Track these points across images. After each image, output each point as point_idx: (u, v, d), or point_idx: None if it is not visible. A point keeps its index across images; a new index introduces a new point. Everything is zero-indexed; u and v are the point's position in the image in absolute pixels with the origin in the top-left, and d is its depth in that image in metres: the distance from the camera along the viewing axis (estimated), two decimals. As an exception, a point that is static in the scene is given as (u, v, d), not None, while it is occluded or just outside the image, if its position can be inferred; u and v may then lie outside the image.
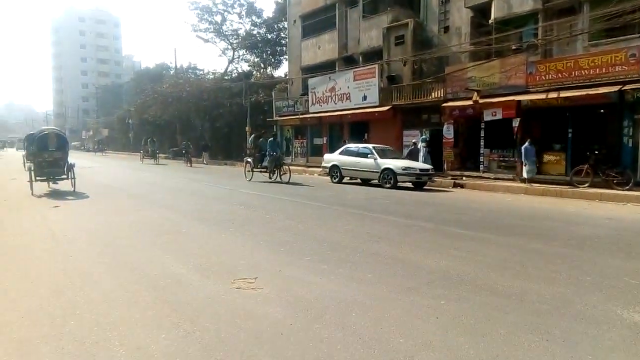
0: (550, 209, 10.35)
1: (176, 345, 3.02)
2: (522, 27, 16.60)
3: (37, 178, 12.13)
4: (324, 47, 25.72)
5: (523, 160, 14.73)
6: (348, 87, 22.53)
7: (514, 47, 16.44)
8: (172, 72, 46.31)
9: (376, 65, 21.14)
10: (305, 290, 4.13)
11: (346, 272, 4.73)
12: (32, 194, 11.65)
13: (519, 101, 15.43)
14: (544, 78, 15.14)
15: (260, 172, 16.70)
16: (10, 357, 2.86)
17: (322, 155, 20.85)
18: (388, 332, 3.24)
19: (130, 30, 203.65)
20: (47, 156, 12.52)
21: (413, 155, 17.02)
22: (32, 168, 12.14)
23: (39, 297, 3.96)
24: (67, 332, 3.23)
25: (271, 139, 16.93)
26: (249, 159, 17.29)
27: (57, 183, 13.06)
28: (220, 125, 35.09)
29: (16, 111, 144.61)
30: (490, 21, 17.01)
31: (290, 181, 15.85)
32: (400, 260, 5.24)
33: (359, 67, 22.57)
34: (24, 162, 14.93)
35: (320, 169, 18.74)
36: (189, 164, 27.78)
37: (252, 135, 19.98)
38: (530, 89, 15.41)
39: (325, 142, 25.11)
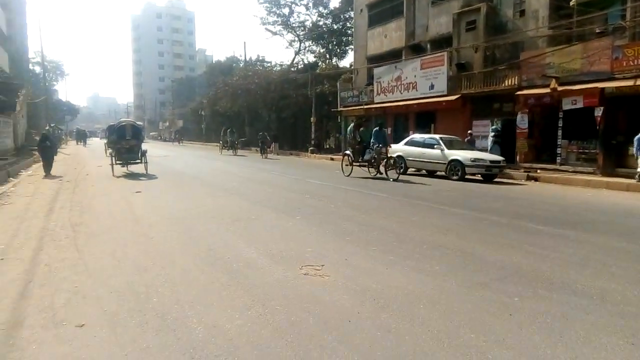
0: (637, 205, 9.51)
1: (249, 326, 3.17)
2: (607, 8, 15.23)
3: (117, 162, 14.33)
4: (391, 35, 25.27)
5: (636, 153, 13.04)
6: (415, 76, 21.99)
7: (598, 31, 15.15)
8: (241, 65, 47.79)
9: (445, 53, 20.42)
10: (372, 280, 4.15)
11: (413, 264, 4.69)
12: (112, 175, 13.61)
13: (603, 88, 14.23)
14: (632, 63, 13.82)
15: (360, 166, 14.72)
16: (102, 328, 3.16)
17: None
18: (458, 327, 3.18)
19: (203, 24, 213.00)
20: (125, 144, 14.71)
21: (470, 146, 16.30)
22: (113, 154, 14.44)
23: (125, 275, 4.32)
24: (150, 308, 3.49)
25: (376, 128, 14.53)
26: (348, 152, 15.08)
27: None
28: (286, 116, 35.79)
29: (101, 103, 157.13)
30: (571, 3, 15.75)
31: (398, 179, 13.54)
32: (470, 254, 5.10)
33: (426, 55, 21.94)
34: (106, 149, 17.48)
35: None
36: (264, 155, 26.58)
37: (352, 124, 16.32)
38: (616, 75, 14.14)
39: (389, 132, 24.76)
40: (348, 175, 14.26)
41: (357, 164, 14.72)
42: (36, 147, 17.37)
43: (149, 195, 9.87)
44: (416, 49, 23.62)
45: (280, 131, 36.89)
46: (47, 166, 14.47)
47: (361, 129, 15.37)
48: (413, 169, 16.34)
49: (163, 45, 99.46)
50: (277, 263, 4.69)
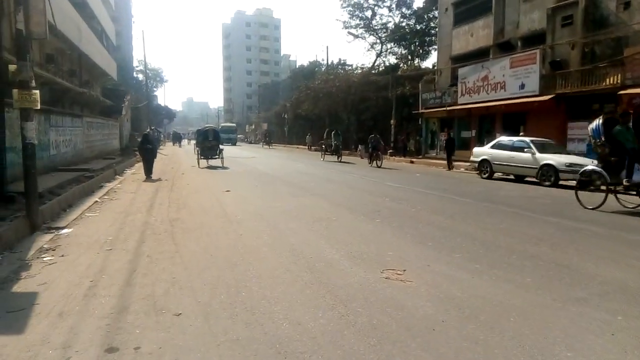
0: None
1: (332, 325, 3.23)
2: None
3: (201, 157, 18.91)
4: (477, 34, 24.23)
5: None
6: (503, 76, 20.87)
7: None
8: (323, 69, 48.62)
9: (537, 50, 19.14)
10: (456, 288, 4.02)
11: (501, 274, 4.46)
12: (198, 166, 18.04)
13: None
14: None
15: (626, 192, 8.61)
16: (197, 318, 3.39)
17: (469, 149, 19.79)
18: (553, 344, 2.97)
19: (288, 30, 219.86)
20: (207, 143, 19.33)
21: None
22: (199, 151, 19.23)
23: (217, 269, 4.60)
24: (240, 302, 3.69)
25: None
26: (593, 167, 8.92)
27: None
28: (365, 118, 35.76)
29: (195, 107, 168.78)
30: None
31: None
32: (566, 267, 4.73)
33: (516, 53, 20.71)
34: (194, 148, 21.44)
35: (468, 164, 17.79)
36: (375, 163, 20.46)
37: (598, 120, 8.70)
38: None
39: (473, 135, 23.74)
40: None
41: (609, 188, 8.58)
42: (137, 148, 18.21)
43: (237, 194, 10.40)
44: (505, 47, 22.39)
45: (359, 134, 36.91)
46: (148, 168, 14.49)
47: (617, 127, 8.47)
48: (500, 174, 15.49)
49: (251, 52, 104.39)
50: (357, 265, 4.72)
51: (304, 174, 16.20)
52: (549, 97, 18.25)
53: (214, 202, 9.18)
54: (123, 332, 3.13)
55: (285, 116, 53.64)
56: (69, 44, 18.13)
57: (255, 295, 3.84)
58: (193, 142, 24.12)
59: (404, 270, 4.53)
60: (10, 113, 8.95)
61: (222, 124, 69.42)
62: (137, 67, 57.56)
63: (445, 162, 20.23)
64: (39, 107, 6.64)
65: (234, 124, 68.87)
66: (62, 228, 6.57)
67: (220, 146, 19.79)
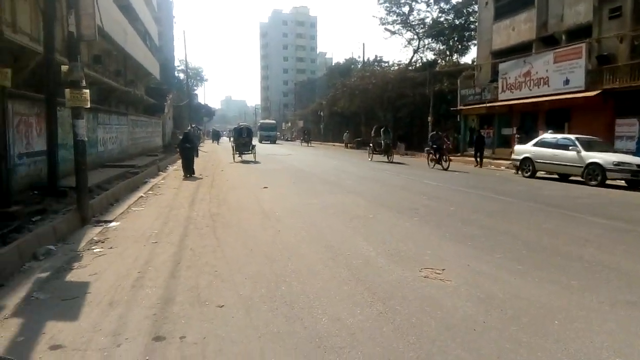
0: None
1: (370, 322, 3.24)
2: None
3: (236, 152, 21.03)
4: (519, 27, 23.41)
5: None
6: (546, 71, 20.07)
7: None
8: (359, 65, 48.36)
9: (583, 44, 18.27)
10: (498, 289, 3.95)
11: (545, 275, 4.33)
12: (233, 160, 19.94)
13: None
14: None
15: None
16: (239, 310, 3.49)
17: (510, 147, 19.19)
18: (600, 348, 2.87)
19: (324, 28, 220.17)
20: (242, 140, 21.39)
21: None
22: (234, 147, 21.36)
23: (257, 264, 4.70)
24: (279, 296, 3.77)
25: None
26: None
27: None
28: (402, 115, 35.33)
29: (233, 105, 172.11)
30: None
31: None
32: (614, 269, 4.54)
33: (561, 47, 19.88)
34: (231, 144, 23.04)
35: (509, 162, 17.27)
36: (442, 164, 17.50)
37: None
38: None
39: (515, 132, 22.99)
40: None
41: None
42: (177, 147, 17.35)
43: (274, 191, 10.54)
44: (548, 42, 21.53)
45: (397, 131, 36.54)
46: (187, 166, 13.80)
47: None
48: (543, 172, 14.97)
49: (287, 51, 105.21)
50: (395, 263, 4.70)
51: (342, 171, 16.20)
52: (596, 92, 17.41)
53: (253, 198, 9.35)
54: (169, 321, 3.26)
55: (321, 114, 53.73)
56: (115, 45, 18.89)
57: (295, 290, 3.91)
58: (230, 138, 26.74)
59: (443, 269, 4.48)
60: (61, 111, 9.45)
61: (261, 121, 63.85)
62: (178, 66, 59.30)
63: (485, 159, 19.73)
64: (89, 106, 6.97)
65: (274, 121, 61.85)
66: (111, 221, 6.89)
67: (253, 142, 21.98)
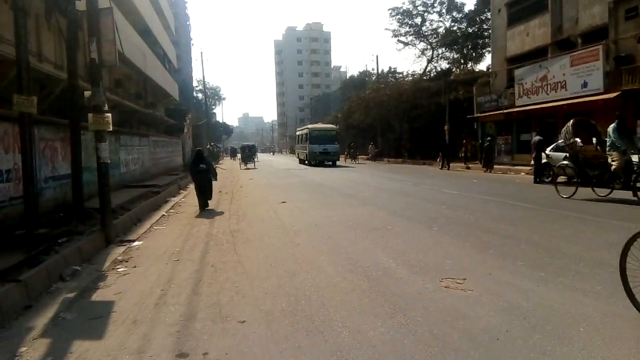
0: None
1: (392, 334, 3.23)
2: None
3: (242, 162, 31.07)
4: (533, 33, 23.26)
5: None
6: (563, 75, 19.84)
7: None
8: (373, 78, 48.52)
9: (600, 46, 18.03)
10: (521, 297, 3.89)
11: (568, 282, 4.25)
12: (240, 168, 28.23)
13: None
14: None
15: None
16: (260, 325, 3.52)
17: (529, 153, 18.87)
18: (627, 355, 2.81)
19: (338, 42, 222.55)
20: (246, 154, 31.41)
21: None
22: (241, 159, 31.78)
23: (277, 278, 4.74)
24: (300, 310, 3.79)
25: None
26: None
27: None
28: (417, 125, 35.21)
29: (250, 122, 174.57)
30: None
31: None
32: (642, 275, 4.42)
33: (577, 50, 19.64)
34: (240, 157, 32.79)
35: (529, 168, 17.00)
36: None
37: None
38: None
39: (534, 137, 22.60)
40: None
41: None
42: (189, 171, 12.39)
43: (293, 205, 10.61)
44: (564, 45, 21.31)
45: (412, 141, 36.37)
46: (202, 197, 10.37)
47: None
48: (563, 177, 14.66)
49: (302, 66, 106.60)
50: (415, 274, 4.68)
51: (359, 183, 16.19)
52: (615, 94, 17.10)
53: (272, 213, 9.42)
54: (192, 338, 3.31)
55: (337, 127, 53.86)
56: (135, 69, 19.45)
57: (315, 303, 3.93)
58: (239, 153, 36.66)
59: (464, 279, 4.44)
60: (85, 135, 9.74)
61: (312, 126, 36.26)
62: (196, 86, 60.48)
63: (504, 166, 19.44)
64: (111, 129, 7.19)
65: (335, 127, 36.28)
66: (134, 241, 7.05)
67: (254, 157, 32.91)
